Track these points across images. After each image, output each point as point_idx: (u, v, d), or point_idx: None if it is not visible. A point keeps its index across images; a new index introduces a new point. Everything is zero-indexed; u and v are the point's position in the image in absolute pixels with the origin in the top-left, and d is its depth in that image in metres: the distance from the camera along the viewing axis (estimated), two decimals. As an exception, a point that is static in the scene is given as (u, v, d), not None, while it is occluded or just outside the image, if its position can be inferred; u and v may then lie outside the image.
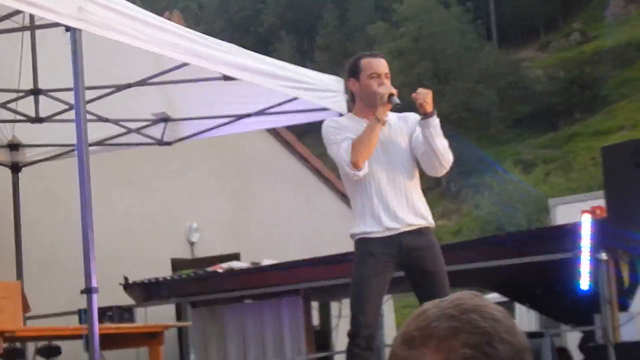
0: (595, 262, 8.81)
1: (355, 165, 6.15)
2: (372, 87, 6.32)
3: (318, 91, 8.58)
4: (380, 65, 6.43)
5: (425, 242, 6.32)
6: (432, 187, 58.06)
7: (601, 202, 10.74)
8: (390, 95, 6.21)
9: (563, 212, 13.75)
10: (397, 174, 6.37)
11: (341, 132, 6.31)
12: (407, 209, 6.32)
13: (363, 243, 6.35)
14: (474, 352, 1.55)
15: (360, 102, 6.48)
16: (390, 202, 6.31)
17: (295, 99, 8.77)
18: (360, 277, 6.30)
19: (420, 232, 6.32)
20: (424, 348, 1.59)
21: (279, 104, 9.30)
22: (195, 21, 75.47)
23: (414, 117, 6.50)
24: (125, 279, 11.02)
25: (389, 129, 6.39)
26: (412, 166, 6.47)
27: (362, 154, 6.16)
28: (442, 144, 6.35)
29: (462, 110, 61.57)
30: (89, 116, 7.55)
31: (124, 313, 9.28)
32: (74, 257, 6.74)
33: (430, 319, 1.62)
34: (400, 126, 6.49)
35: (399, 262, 6.33)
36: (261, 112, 9.62)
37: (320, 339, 12.00)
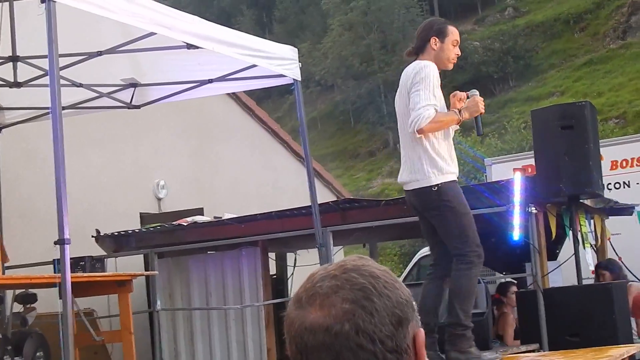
0: (526, 215, 8.86)
1: (420, 133, 6.43)
2: (449, 53, 6.68)
3: (274, 59, 8.58)
4: (459, 35, 6.83)
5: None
6: (380, 149, 58.22)
7: (531, 161, 10.81)
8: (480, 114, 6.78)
9: (498, 171, 13.81)
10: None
11: (434, 90, 6.48)
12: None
13: (451, 183, 6.66)
14: (353, 306, 1.56)
15: (433, 60, 6.67)
16: (453, 153, 6.82)
17: (254, 66, 8.75)
18: (466, 212, 6.67)
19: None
20: (310, 307, 1.59)
21: (239, 71, 9.28)
22: (163, -5, 74.72)
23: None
24: (97, 231, 10.96)
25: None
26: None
27: (432, 129, 6.46)
28: None
29: (407, 78, 61.71)
30: (63, 81, 7.50)
31: (95, 263, 9.26)
32: (51, 211, 6.68)
33: (316, 280, 1.64)
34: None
35: None
36: (222, 78, 9.60)
37: (277, 286, 12.01)
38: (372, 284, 1.59)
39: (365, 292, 1.58)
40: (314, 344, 1.57)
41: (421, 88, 6.43)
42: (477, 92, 6.77)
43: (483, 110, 6.64)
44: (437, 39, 6.65)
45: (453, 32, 6.71)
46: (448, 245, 6.61)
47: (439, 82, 6.62)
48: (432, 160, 6.54)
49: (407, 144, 6.63)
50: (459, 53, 6.70)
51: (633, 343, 8.38)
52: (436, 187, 6.52)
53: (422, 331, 1.60)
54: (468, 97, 6.79)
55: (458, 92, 6.77)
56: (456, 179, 6.67)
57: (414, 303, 1.63)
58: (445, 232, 6.61)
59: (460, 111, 6.58)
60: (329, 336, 1.55)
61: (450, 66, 6.73)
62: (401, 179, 6.72)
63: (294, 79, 8.77)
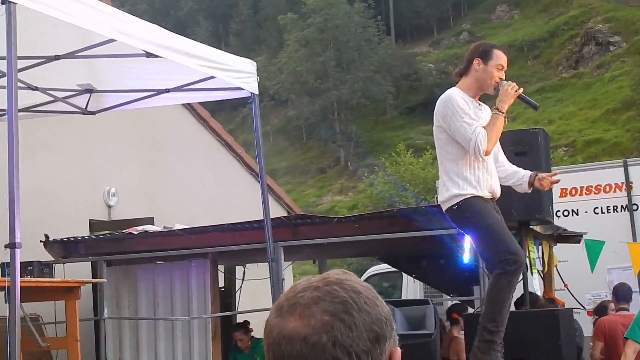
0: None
1: (487, 154, 6.60)
2: (491, 77, 6.71)
3: (232, 72, 8.56)
4: (505, 60, 6.85)
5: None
6: (331, 166, 58.34)
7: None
8: (521, 94, 6.75)
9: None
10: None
11: (468, 112, 6.61)
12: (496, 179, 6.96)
13: (475, 199, 6.70)
14: (332, 318, 1.57)
15: (475, 82, 6.77)
16: (493, 173, 6.95)
17: (211, 77, 8.72)
18: (492, 222, 6.69)
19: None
20: (290, 315, 1.60)
21: (197, 82, 9.23)
22: (120, 3, 74.42)
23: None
24: (46, 236, 10.85)
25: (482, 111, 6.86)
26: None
27: (492, 144, 6.61)
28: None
29: (361, 97, 61.83)
30: (19, 84, 7.40)
31: (43, 268, 9.14)
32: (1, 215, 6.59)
33: (298, 290, 1.65)
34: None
35: None
36: (179, 89, 9.55)
37: (225, 299, 11.97)
38: (353, 298, 1.60)
39: (345, 306, 1.59)
40: (291, 352, 1.57)
41: (457, 120, 6.59)
42: (505, 82, 6.82)
43: (518, 90, 6.70)
44: (481, 61, 6.72)
45: (498, 56, 6.77)
46: (485, 261, 6.82)
47: (465, 101, 6.71)
48: (452, 181, 6.70)
49: (439, 168, 6.81)
50: (503, 77, 6.73)
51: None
52: (456, 206, 6.63)
53: (398, 350, 1.60)
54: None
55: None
56: (480, 195, 6.72)
57: (393, 322, 1.63)
58: (477, 246, 6.77)
59: (497, 109, 6.67)
60: (306, 346, 1.56)
61: (492, 89, 6.77)
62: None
63: (251, 93, 8.75)
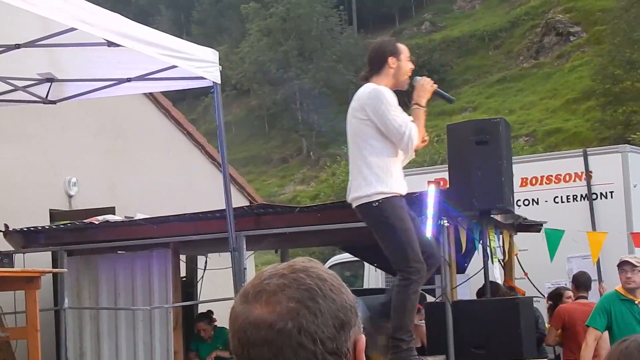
0: (438, 228, 8.94)
1: (417, 148, 6.81)
2: (406, 70, 6.91)
3: (195, 61, 8.53)
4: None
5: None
6: (293, 155, 58.33)
7: (444, 175, 10.93)
8: (436, 89, 6.94)
9: (410, 182, 13.85)
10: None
11: (395, 107, 6.72)
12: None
13: (394, 199, 6.78)
14: (298, 305, 1.58)
15: (392, 79, 6.88)
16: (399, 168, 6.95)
17: (174, 67, 8.70)
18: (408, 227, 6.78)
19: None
20: (255, 302, 1.62)
21: (158, 71, 9.21)
22: (81, -9, 73.77)
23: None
24: (6, 226, 10.78)
25: None
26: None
27: (420, 139, 6.79)
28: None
29: (323, 87, 61.80)
30: (-23, 73, 7.34)
31: (3, 258, 9.09)
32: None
33: (264, 277, 1.66)
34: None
35: None
36: (141, 78, 9.52)
37: (187, 289, 11.95)
38: (319, 285, 1.62)
39: (311, 293, 1.60)
40: (257, 339, 1.58)
41: (391, 111, 6.68)
42: (419, 78, 6.90)
43: (433, 85, 6.78)
44: (395, 58, 6.75)
45: (404, 49, 6.96)
46: (389, 260, 6.71)
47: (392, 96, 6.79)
48: (376, 176, 6.70)
49: (353, 162, 6.77)
50: (413, 67, 6.88)
51: (539, 357, 8.53)
52: (377, 203, 6.61)
53: (363, 337, 1.62)
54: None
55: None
56: (400, 194, 6.75)
57: (358, 310, 1.64)
58: (385, 247, 6.70)
59: (417, 104, 6.72)
60: (272, 332, 1.57)
61: (406, 84, 6.90)
62: (348, 196, 6.82)
63: (213, 82, 8.72)
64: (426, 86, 6.81)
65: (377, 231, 6.78)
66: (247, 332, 1.59)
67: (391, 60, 6.83)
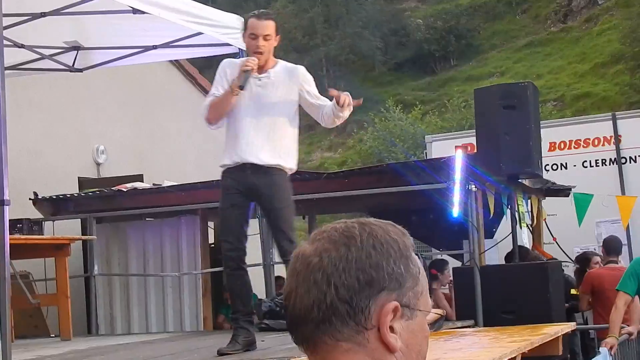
0: (466, 193, 8.92)
1: (208, 122, 6.51)
2: (250, 47, 6.44)
3: (220, 27, 8.52)
4: (260, 27, 6.42)
5: (266, 181, 6.36)
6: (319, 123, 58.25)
7: (472, 140, 10.88)
8: (245, 71, 6.27)
9: (438, 148, 13.89)
10: (262, 118, 6.43)
11: (217, 81, 6.52)
12: (261, 149, 6.37)
13: (223, 175, 6.55)
14: (330, 246, 1.60)
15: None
16: (245, 141, 6.39)
17: (199, 34, 8.70)
18: (221, 208, 6.53)
19: (266, 171, 6.36)
20: (310, 240, 1.65)
21: (184, 38, 9.20)
22: (106, -41, 73.77)
23: (301, 72, 6.57)
24: (35, 194, 10.83)
25: (268, 79, 6.46)
26: (285, 113, 6.48)
27: (214, 116, 6.45)
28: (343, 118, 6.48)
29: (349, 53, 61.51)
30: (4, 41, 7.34)
31: (33, 225, 9.15)
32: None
33: (331, 224, 1.68)
34: (282, 77, 6.52)
35: (249, 194, 6.43)
36: (167, 45, 9.53)
37: (215, 255, 11.96)
38: (362, 238, 1.61)
39: (348, 240, 1.61)
40: (291, 269, 1.64)
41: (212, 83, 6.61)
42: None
43: (246, 67, 6.27)
44: (243, 33, 6.61)
45: (249, 25, 6.46)
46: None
47: (230, 67, 6.56)
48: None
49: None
50: (259, 45, 6.35)
51: (567, 321, 8.51)
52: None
53: (394, 305, 1.59)
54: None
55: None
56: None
57: (406, 280, 1.62)
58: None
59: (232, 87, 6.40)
60: (302, 264, 1.61)
61: (256, 58, 6.36)
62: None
63: (239, 48, 8.69)
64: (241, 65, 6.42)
65: (279, 201, 6.45)
66: (292, 261, 1.65)
67: (242, 35, 6.68)
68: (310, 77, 6.63)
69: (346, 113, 6.39)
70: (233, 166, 6.44)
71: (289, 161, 6.47)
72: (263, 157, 6.35)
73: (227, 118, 6.49)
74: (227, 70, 6.53)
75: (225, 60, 6.71)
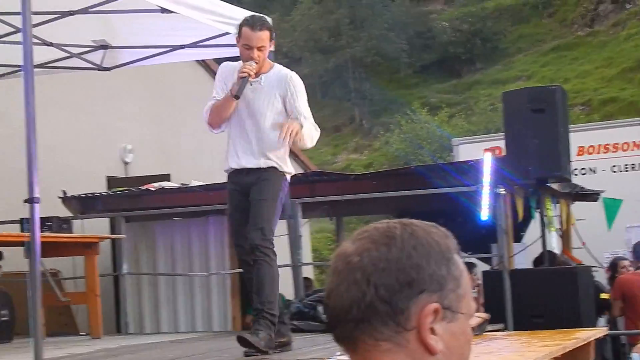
0: (495, 196, 8.87)
1: (210, 126, 6.61)
2: (243, 56, 6.34)
3: (247, 27, 8.47)
4: (254, 39, 6.30)
5: (258, 176, 6.38)
6: (346, 124, 58.24)
7: (499, 143, 10.83)
8: (242, 78, 6.24)
9: (465, 151, 13.85)
10: (254, 123, 6.45)
11: (217, 85, 6.56)
12: (254, 153, 6.42)
13: (227, 179, 6.67)
14: (371, 246, 1.59)
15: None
16: (240, 146, 6.49)
17: (226, 33, 8.67)
18: (228, 213, 6.73)
19: (262, 170, 6.38)
20: (352, 240, 1.65)
21: (211, 38, 9.20)
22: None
23: (289, 79, 6.48)
24: (64, 192, 10.87)
25: (259, 84, 6.42)
26: (275, 118, 6.43)
27: (216, 120, 6.53)
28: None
29: (375, 55, 61.43)
30: (33, 40, 7.36)
31: (62, 224, 9.16)
32: (17, 170, 6.59)
33: (373, 223, 1.68)
34: (272, 83, 6.46)
35: (248, 193, 6.42)
36: (194, 45, 9.52)
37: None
38: (403, 238, 1.60)
39: (389, 240, 1.60)
40: (333, 268, 1.64)
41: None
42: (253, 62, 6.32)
43: (244, 72, 6.20)
44: (238, 39, 6.44)
45: (243, 34, 6.32)
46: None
47: (228, 70, 6.56)
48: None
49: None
50: (254, 56, 6.25)
51: (596, 326, 8.44)
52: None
53: (434, 306, 1.57)
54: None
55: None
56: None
57: (448, 283, 1.60)
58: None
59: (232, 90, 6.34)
60: (343, 264, 1.61)
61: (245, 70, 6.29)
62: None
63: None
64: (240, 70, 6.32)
65: (265, 197, 6.36)
66: (333, 260, 1.65)
67: (237, 39, 6.47)
68: (299, 87, 6.52)
69: (306, 143, 6.37)
70: (233, 170, 6.53)
71: (283, 166, 6.48)
72: (257, 161, 6.40)
73: (228, 122, 6.55)
74: (224, 74, 6.56)
75: (224, 64, 6.73)
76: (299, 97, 6.48)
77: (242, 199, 6.40)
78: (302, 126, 6.25)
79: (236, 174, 6.49)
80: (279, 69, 6.56)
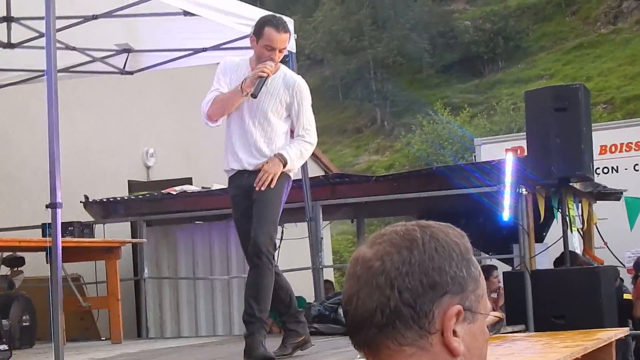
0: (516, 196, 8.86)
1: (208, 119, 6.54)
2: (262, 56, 6.25)
3: (269, 30, 8.49)
4: (279, 40, 6.30)
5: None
6: (367, 125, 58.21)
7: (521, 143, 10.80)
8: (260, 77, 6.17)
9: (487, 151, 13.82)
10: (257, 124, 6.42)
11: (220, 79, 6.51)
12: (257, 155, 6.38)
13: (228, 182, 6.64)
14: (392, 249, 1.59)
15: (255, 57, 6.39)
16: (242, 148, 6.45)
17: (249, 36, 8.67)
18: (233, 219, 6.64)
19: (259, 171, 6.30)
20: (370, 244, 1.64)
21: (234, 40, 9.22)
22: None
23: (296, 86, 6.45)
24: (85, 197, 10.92)
25: (265, 86, 6.30)
26: (278, 121, 6.43)
27: (217, 113, 6.48)
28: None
29: (397, 55, 61.39)
30: (57, 44, 7.42)
31: (84, 228, 9.22)
32: (39, 174, 6.64)
33: (390, 226, 1.67)
34: (278, 86, 6.42)
35: (250, 194, 6.33)
36: (217, 47, 9.55)
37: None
38: (425, 240, 1.60)
39: (411, 243, 1.59)
40: (351, 272, 1.62)
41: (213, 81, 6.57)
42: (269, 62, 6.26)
43: (261, 72, 6.15)
44: (255, 38, 6.36)
45: (267, 35, 6.26)
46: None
47: (230, 66, 6.57)
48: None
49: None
50: (275, 58, 6.24)
51: (620, 327, 8.41)
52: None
53: (457, 308, 1.58)
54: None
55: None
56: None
57: (468, 284, 1.61)
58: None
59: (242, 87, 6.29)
60: (362, 269, 1.60)
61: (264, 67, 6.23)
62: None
63: (289, 51, 8.69)
64: (256, 71, 6.21)
65: (268, 199, 6.27)
66: (351, 265, 1.64)
67: (251, 39, 6.41)
68: (305, 95, 6.48)
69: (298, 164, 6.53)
70: (233, 172, 6.49)
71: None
72: (258, 162, 6.35)
73: (226, 119, 6.52)
74: (227, 69, 6.54)
75: (226, 59, 6.75)
76: (304, 106, 6.45)
77: (247, 203, 6.32)
78: (285, 163, 6.25)
79: (237, 176, 6.46)
80: (284, 72, 6.54)
